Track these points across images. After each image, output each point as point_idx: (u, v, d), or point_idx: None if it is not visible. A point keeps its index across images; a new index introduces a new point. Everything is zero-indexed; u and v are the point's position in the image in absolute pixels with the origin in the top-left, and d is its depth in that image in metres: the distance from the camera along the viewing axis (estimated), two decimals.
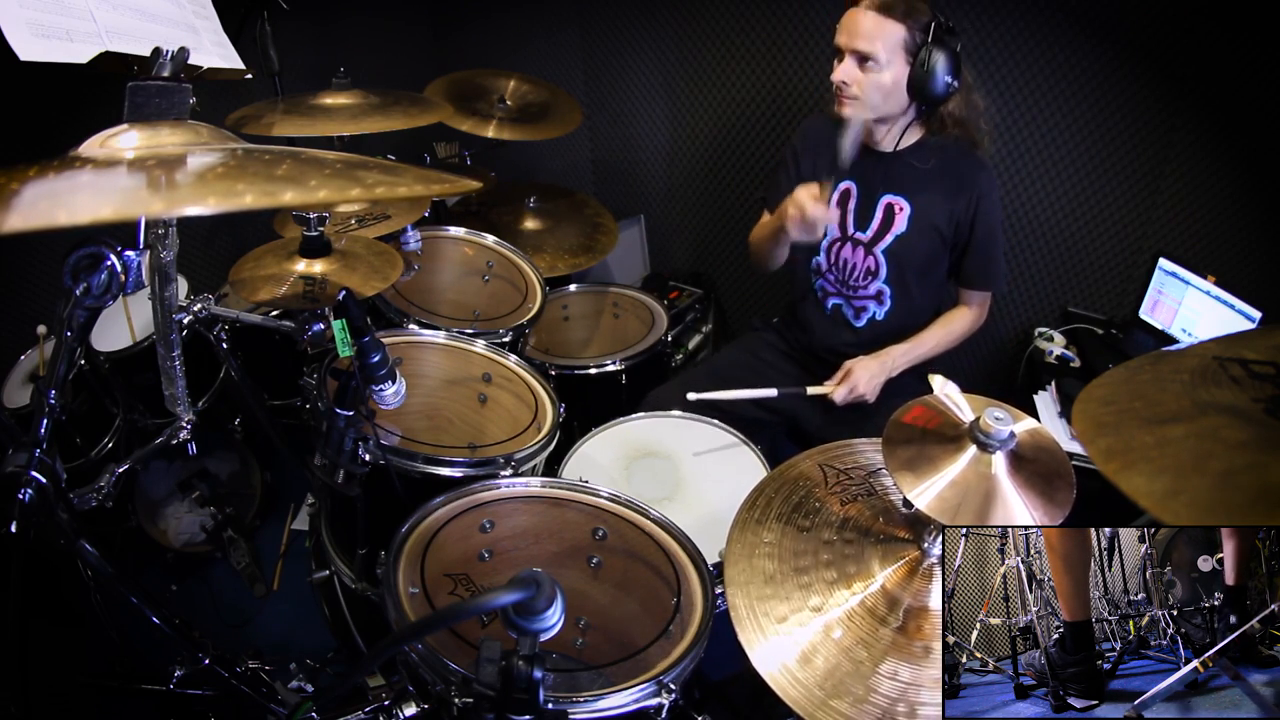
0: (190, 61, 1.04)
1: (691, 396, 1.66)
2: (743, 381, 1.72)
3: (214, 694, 1.27)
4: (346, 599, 1.64)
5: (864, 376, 1.68)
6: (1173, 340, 2.02)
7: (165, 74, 1.01)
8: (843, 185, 1.75)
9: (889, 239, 1.72)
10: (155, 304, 1.25)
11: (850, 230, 1.75)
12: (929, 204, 1.67)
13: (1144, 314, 2.09)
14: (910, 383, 1.75)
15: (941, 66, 1.50)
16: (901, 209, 1.69)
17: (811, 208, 1.52)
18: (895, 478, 0.90)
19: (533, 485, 1.34)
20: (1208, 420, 0.66)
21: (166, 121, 0.93)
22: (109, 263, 0.87)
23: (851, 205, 1.74)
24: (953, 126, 1.63)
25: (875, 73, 1.53)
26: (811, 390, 1.71)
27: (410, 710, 1.06)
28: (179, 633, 1.16)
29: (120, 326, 1.88)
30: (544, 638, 0.74)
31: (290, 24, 2.05)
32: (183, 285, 1.74)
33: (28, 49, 0.94)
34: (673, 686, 1.01)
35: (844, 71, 1.56)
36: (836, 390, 1.69)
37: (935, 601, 0.93)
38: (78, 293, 0.88)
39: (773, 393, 1.68)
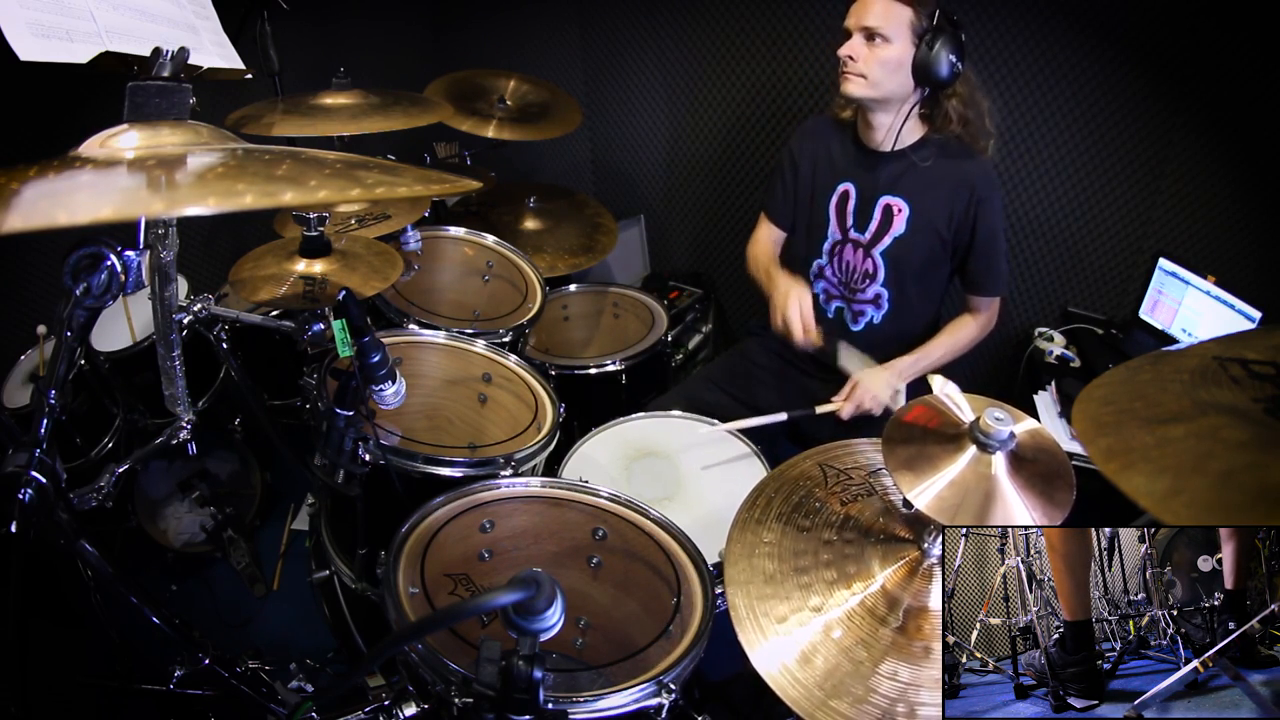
0: (190, 61, 1.04)
1: (717, 429, 1.66)
2: (741, 389, 1.71)
3: (214, 694, 1.27)
4: (346, 599, 1.64)
5: (870, 392, 1.63)
6: (1173, 340, 2.02)
7: (165, 74, 1.00)
8: (841, 187, 1.75)
9: (887, 240, 1.71)
10: (155, 304, 1.25)
11: (850, 231, 1.75)
12: (928, 205, 1.67)
13: (1144, 314, 2.09)
14: (910, 385, 1.74)
15: (947, 49, 1.51)
16: (900, 210, 1.69)
17: (799, 337, 1.61)
18: (895, 478, 0.90)
19: (533, 485, 1.34)
20: (1208, 420, 0.66)
21: (166, 121, 0.92)
22: (109, 263, 0.87)
23: (850, 206, 1.74)
24: (957, 125, 1.63)
25: (882, 49, 1.55)
26: (820, 409, 1.67)
27: (410, 710, 1.06)
28: (179, 633, 1.16)
29: (120, 326, 1.88)
30: (544, 638, 0.74)
31: (290, 24, 2.05)
32: (183, 285, 1.74)
33: (28, 49, 0.94)
34: (673, 686, 1.01)
35: (850, 47, 1.58)
36: (844, 407, 1.65)
37: (935, 601, 0.93)
38: (78, 293, 0.87)
39: (783, 417, 1.65)
